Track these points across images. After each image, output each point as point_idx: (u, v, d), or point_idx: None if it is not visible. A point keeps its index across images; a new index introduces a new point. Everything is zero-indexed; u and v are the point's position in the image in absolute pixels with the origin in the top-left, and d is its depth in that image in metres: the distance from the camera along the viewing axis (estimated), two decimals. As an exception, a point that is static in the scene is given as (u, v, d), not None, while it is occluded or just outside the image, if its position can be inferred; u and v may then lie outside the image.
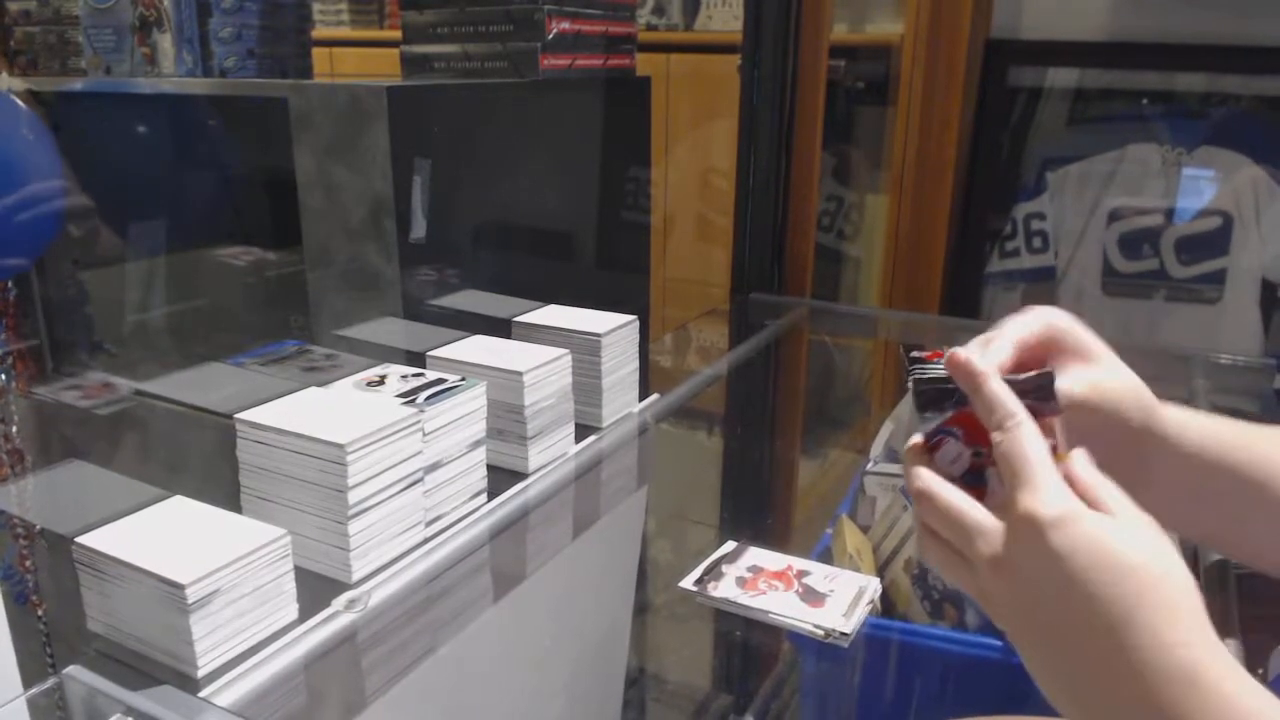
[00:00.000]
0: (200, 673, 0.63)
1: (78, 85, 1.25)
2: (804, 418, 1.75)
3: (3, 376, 1.06)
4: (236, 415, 0.75)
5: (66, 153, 1.07)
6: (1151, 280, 1.79)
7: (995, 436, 0.50)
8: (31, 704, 0.62)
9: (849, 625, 0.84)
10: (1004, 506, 0.49)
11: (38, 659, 0.67)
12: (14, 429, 0.98)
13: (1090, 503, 0.48)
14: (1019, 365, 0.53)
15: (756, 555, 0.95)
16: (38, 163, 0.94)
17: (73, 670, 0.63)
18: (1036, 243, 1.86)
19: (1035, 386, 0.51)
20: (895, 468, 1.15)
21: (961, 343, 0.57)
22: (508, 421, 0.90)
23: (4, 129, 0.91)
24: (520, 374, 0.88)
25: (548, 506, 0.91)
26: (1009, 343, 0.54)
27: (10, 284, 1.13)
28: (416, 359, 0.92)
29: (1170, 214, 1.76)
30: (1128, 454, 0.56)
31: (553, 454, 0.95)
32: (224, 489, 0.75)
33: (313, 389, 0.81)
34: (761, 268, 1.75)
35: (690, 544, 1.26)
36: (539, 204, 1.16)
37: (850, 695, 1.01)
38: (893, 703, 0.98)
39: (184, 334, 1.30)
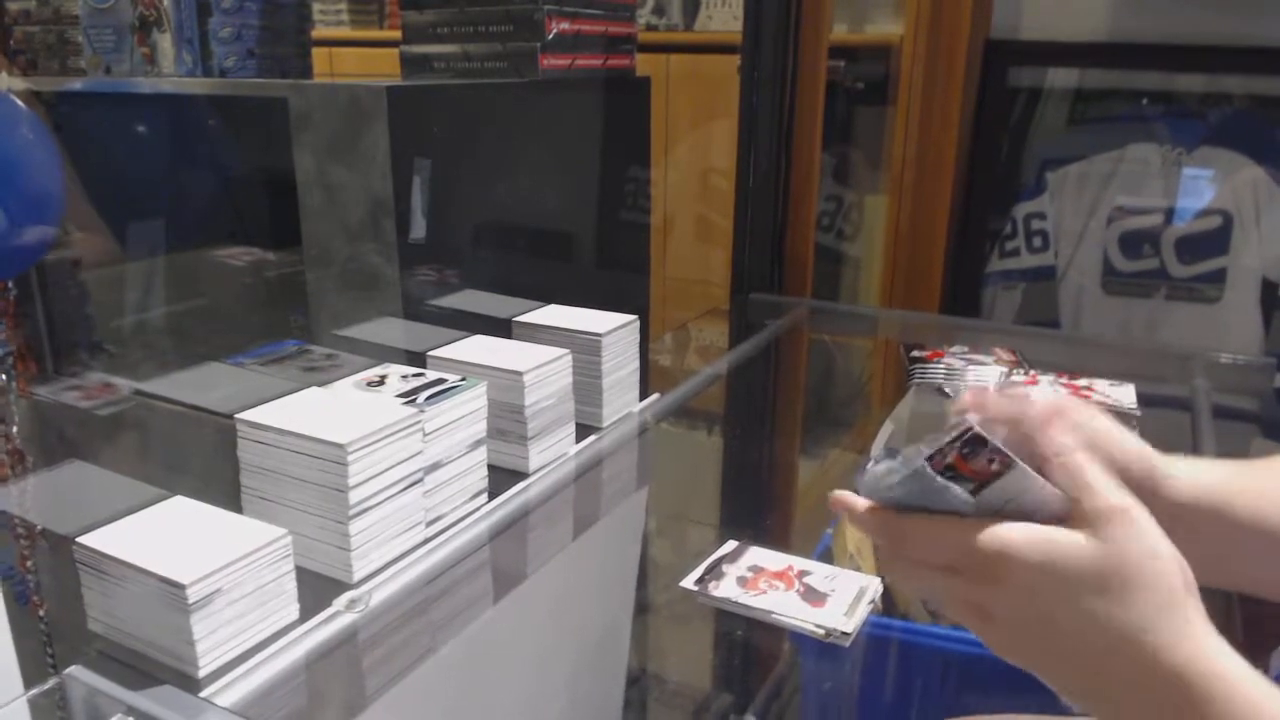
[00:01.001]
0: (201, 673, 0.63)
1: (78, 85, 1.25)
2: (804, 418, 1.75)
3: (3, 376, 1.06)
4: (237, 415, 0.75)
5: (66, 153, 1.07)
6: (1151, 280, 1.79)
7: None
8: (32, 704, 0.62)
9: (850, 625, 0.84)
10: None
11: (39, 659, 0.67)
12: (14, 429, 0.98)
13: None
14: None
15: (757, 555, 0.95)
16: (38, 163, 0.94)
17: (74, 670, 0.63)
18: (1036, 242, 1.86)
19: (961, 442, 0.51)
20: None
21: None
22: (508, 421, 0.90)
23: (4, 129, 0.91)
24: (520, 374, 0.88)
25: (548, 506, 0.91)
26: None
27: (10, 284, 1.13)
28: (417, 359, 0.92)
29: (1170, 214, 1.76)
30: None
31: (553, 454, 0.95)
32: (224, 489, 0.75)
33: (313, 389, 0.81)
34: (761, 268, 1.74)
35: (690, 544, 1.26)
36: (539, 204, 1.16)
37: (850, 695, 1.01)
38: (893, 703, 0.98)
39: (184, 334, 1.30)
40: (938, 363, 1.15)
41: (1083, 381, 1.06)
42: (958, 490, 0.49)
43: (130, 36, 1.16)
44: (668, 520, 1.29)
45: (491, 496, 0.87)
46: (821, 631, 0.83)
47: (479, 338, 0.97)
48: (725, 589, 0.89)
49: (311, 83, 1.15)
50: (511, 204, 1.11)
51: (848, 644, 0.83)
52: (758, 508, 1.46)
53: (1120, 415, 0.99)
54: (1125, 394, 1.03)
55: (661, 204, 2.19)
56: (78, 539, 0.65)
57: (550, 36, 1.09)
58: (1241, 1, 1.67)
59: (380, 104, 0.91)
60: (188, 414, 0.81)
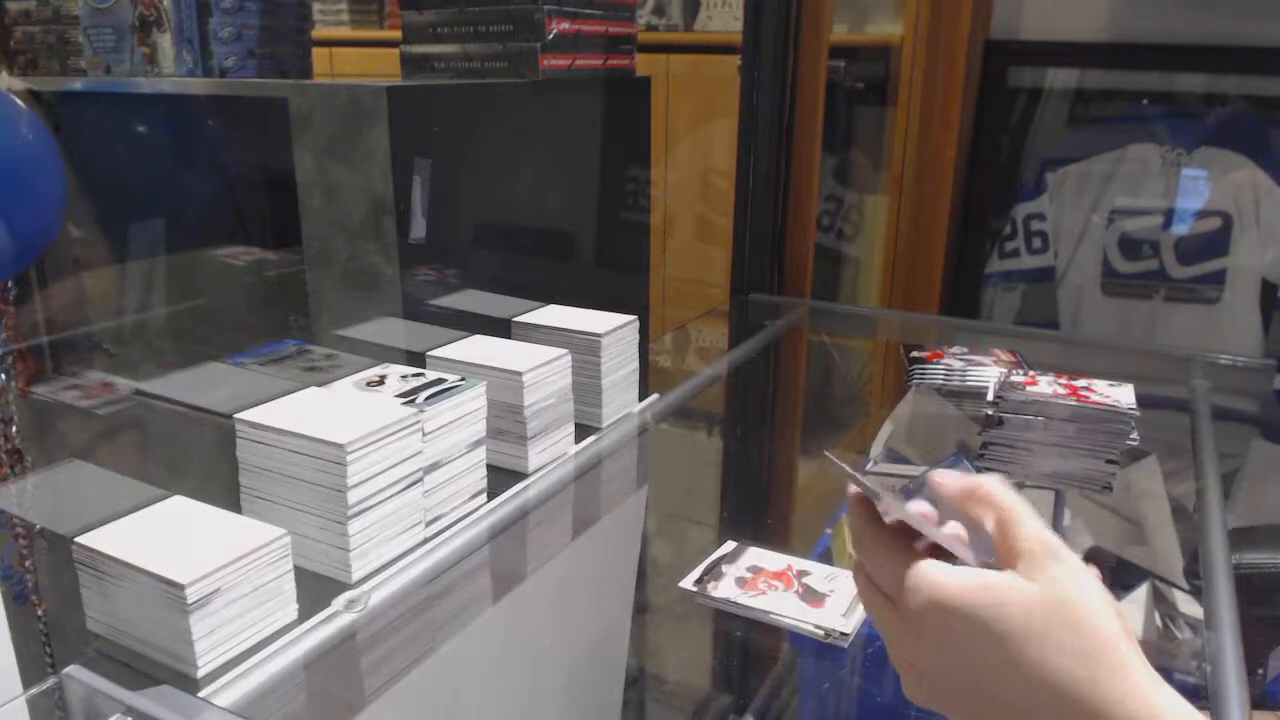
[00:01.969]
0: (200, 673, 0.63)
1: (78, 85, 1.25)
2: (804, 418, 1.75)
3: (3, 376, 1.06)
4: (236, 415, 0.75)
5: (66, 153, 1.07)
6: (1151, 280, 1.79)
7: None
8: (31, 704, 0.62)
9: (849, 625, 0.84)
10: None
11: (38, 659, 0.67)
12: (14, 429, 0.98)
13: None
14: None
15: (756, 555, 0.95)
16: (38, 163, 0.94)
17: (72, 670, 0.62)
18: (1036, 243, 1.86)
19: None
20: (895, 468, 1.15)
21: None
22: (508, 421, 0.90)
23: (4, 129, 0.91)
24: (520, 374, 0.88)
25: (548, 506, 0.91)
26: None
27: (10, 284, 1.13)
28: (416, 359, 0.92)
29: (1170, 214, 1.77)
30: None
31: (553, 454, 0.95)
32: (224, 489, 0.75)
33: (313, 389, 0.81)
34: (761, 268, 1.74)
35: (690, 544, 1.26)
36: (539, 204, 1.16)
37: (850, 695, 1.01)
38: (892, 703, 0.98)
39: (184, 334, 1.30)
40: (937, 363, 1.15)
41: (1082, 382, 1.06)
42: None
43: (130, 36, 1.16)
44: (667, 520, 1.29)
45: (491, 496, 0.87)
46: (821, 632, 0.84)
47: (479, 338, 0.97)
48: (724, 589, 0.89)
49: (311, 83, 1.15)
50: (511, 204, 1.11)
51: (847, 644, 0.83)
52: (757, 508, 1.46)
53: (1120, 416, 0.99)
54: (1124, 395, 1.03)
55: (661, 204, 2.19)
56: (77, 539, 0.65)
57: (550, 36, 1.09)
58: (1241, 1, 1.67)
59: (380, 104, 0.91)
60: (187, 414, 0.81)
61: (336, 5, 2.79)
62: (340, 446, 0.70)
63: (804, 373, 1.78)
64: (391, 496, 0.75)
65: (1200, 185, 1.74)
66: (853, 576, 0.54)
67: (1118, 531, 1.11)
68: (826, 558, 1.03)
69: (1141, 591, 1.01)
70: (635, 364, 1.05)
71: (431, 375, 0.85)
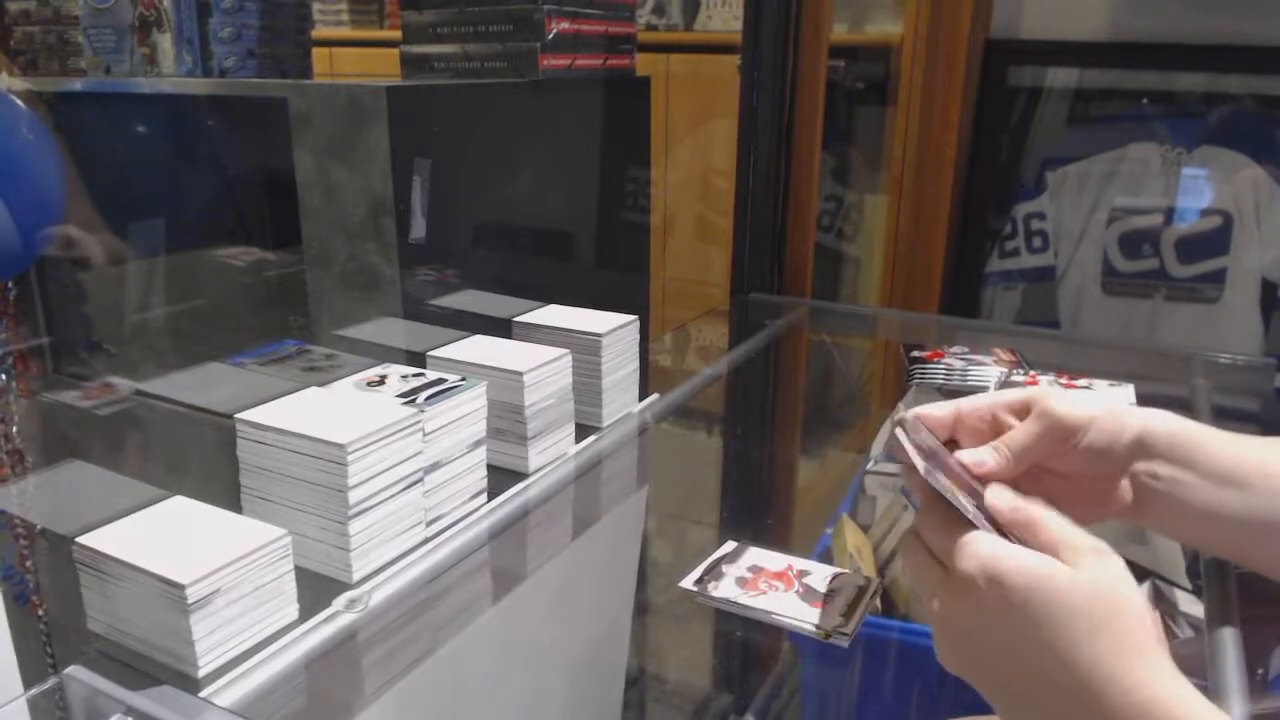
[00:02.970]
0: (201, 673, 0.63)
1: (78, 85, 1.25)
2: (804, 418, 1.75)
3: (3, 376, 1.06)
4: (236, 415, 0.75)
5: (66, 153, 1.07)
6: (1151, 280, 1.79)
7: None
8: (32, 704, 0.62)
9: (849, 625, 0.84)
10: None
11: (38, 659, 0.67)
12: (14, 429, 0.98)
13: (1024, 534, 0.50)
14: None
15: (756, 555, 0.95)
16: (38, 163, 0.94)
17: (73, 670, 0.62)
18: (1036, 242, 1.86)
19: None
20: (895, 468, 1.15)
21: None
22: (508, 421, 0.90)
23: (4, 129, 0.91)
24: (520, 374, 0.88)
25: (548, 507, 0.91)
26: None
27: (10, 284, 1.13)
28: (417, 359, 0.92)
29: (1170, 214, 1.76)
30: (1116, 479, 0.57)
31: (553, 454, 0.95)
32: (224, 489, 0.75)
33: (313, 389, 0.81)
34: (761, 268, 1.74)
35: (690, 544, 1.26)
36: (539, 204, 1.16)
37: (850, 695, 1.01)
38: (893, 703, 0.98)
39: (184, 334, 1.30)
40: (937, 363, 1.15)
41: (1082, 382, 1.06)
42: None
43: (130, 37, 1.16)
44: (667, 520, 1.29)
45: (491, 497, 0.87)
46: (821, 632, 0.83)
47: (479, 338, 0.97)
48: (724, 589, 0.89)
49: (311, 83, 1.15)
50: (511, 204, 1.11)
51: (847, 644, 0.83)
52: (757, 508, 1.46)
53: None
54: (1125, 394, 1.03)
55: (661, 204, 2.19)
56: (77, 539, 0.65)
57: (550, 36, 1.09)
58: (1241, 1, 1.67)
59: (380, 104, 0.91)
60: (188, 414, 0.81)
61: (336, 5, 2.79)
62: (341, 446, 0.70)
63: (804, 372, 1.78)
64: (392, 497, 0.75)
65: (1200, 184, 1.74)
66: (901, 541, 0.56)
67: (1118, 531, 1.11)
68: (826, 558, 1.03)
69: (1142, 591, 1.01)
70: (635, 364, 1.05)
71: (432, 375, 0.85)
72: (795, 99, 1.69)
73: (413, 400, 0.79)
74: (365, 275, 0.97)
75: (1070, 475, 0.58)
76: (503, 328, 1.02)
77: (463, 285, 1.04)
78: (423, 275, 0.99)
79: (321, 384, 0.83)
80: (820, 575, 0.91)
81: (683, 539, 1.34)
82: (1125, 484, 0.58)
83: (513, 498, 0.88)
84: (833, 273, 2.14)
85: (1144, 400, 1.02)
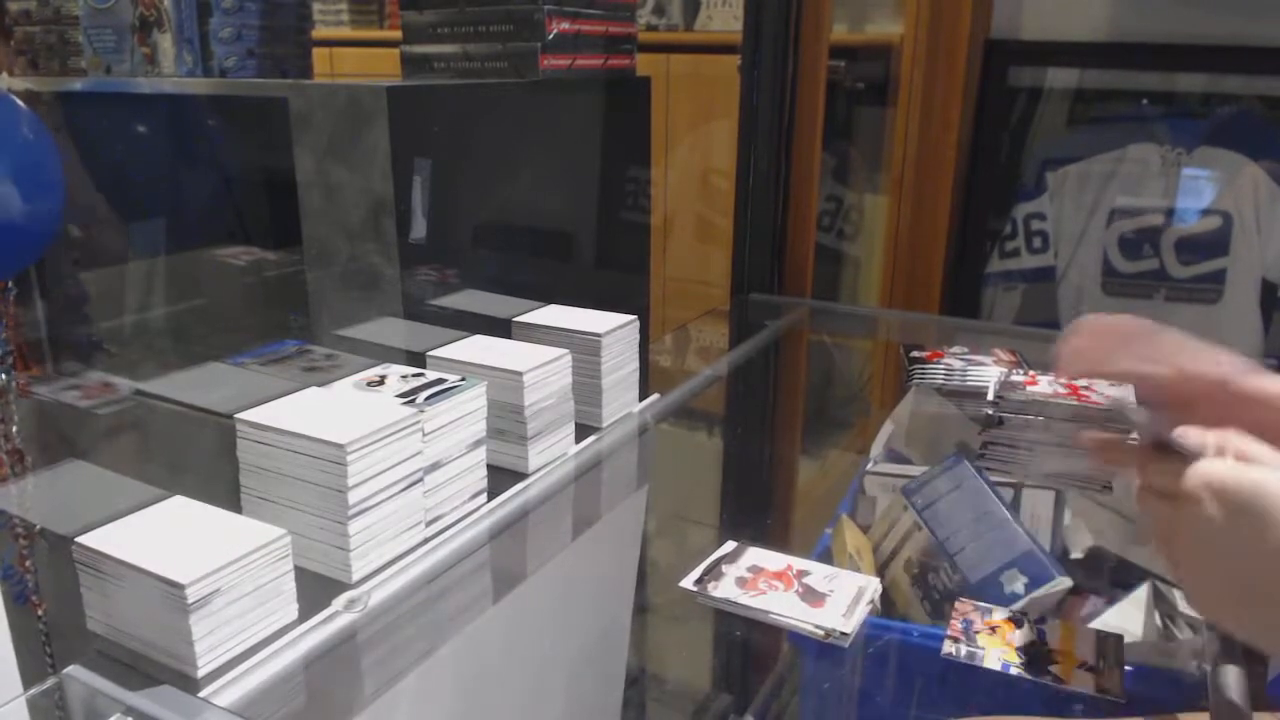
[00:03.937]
0: (200, 673, 0.62)
1: (78, 85, 1.25)
2: (804, 418, 1.75)
3: (3, 376, 1.06)
4: (236, 415, 0.75)
5: (66, 153, 1.07)
6: (1151, 280, 1.79)
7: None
8: (31, 704, 0.62)
9: (849, 625, 0.84)
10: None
11: (38, 659, 0.67)
12: (14, 429, 0.98)
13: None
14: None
15: (756, 555, 0.95)
16: (38, 163, 0.94)
17: (73, 670, 0.63)
18: (1036, 243, 1.86)
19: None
20: (895, 468, 1.15)
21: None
22: (508, 421, 0.90)
23: (4, 129, 0.91)
24: (520, 374, 0.88)
25: (548, 506, 0.91)
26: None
27: (10, 284, 1.13)
28: (416, 359, 0.92)
29: (1170, 214, 1.76)
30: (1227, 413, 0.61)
31: (553, 454, 0.95)
32: (224, 489, 0.75)
33: (313, 389, 0.81)
34: (761, 268, 1.75)
35: (690, 544, 1.26)
36: (539, 204, 1.16)
37: (850, 695, 1.01)
38: (893, 703, 0.98)
39: (184, 334, 1.30)
40: (937, 363, 1.15)
41: (1082, 382, 1.06)
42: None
43: (130, 37, 1.16)
44: (667, 520, 1.29)
45: (491, 496, 0.87)
46: (821, 632, 0.83)
47: (479, 338, 0.97)
48: (724, 589, 0.89)
49: (311, 83, 1.15)
50: (511, 204, 1.11)
51: (847, 644, 0.83)
52: (757, 508, 1.46)
53: (1121, 416, 0.99)
54: (1125, 394, 1.03)
55: (661, 204, 2.19)
56: (77, 539, 0.65)
57: (550, 36, 1.09)
58: (1241, 1, 1.67)
59: (380, 104, 0.91)
60: (188, 414, 0.81)
61: (336, 5, 2.79)
62: (341, 446, 0.70)
63: (804, 373, 1.79)
64: (392, 496, 0.75)
65: (1200, 185, 1.74)
66: (1135, 497, 0.61)
67: (1118, 531, 1.11)
68: (826, 558, 1.03)
69: (1142, 591, 1.01)
70: (635, 364, 1.05)
71: (432, 375, 0.85)
72: (795, 99, 1.69)
73: (412, 400, 0.79)
74: (365, 275, 0.97)
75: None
76: (502, 328, 1.02)
77: (463, 285, 1.04)
78: (423, 275, 0.99)
79: (321, 384, 0.83)
80: (820, 575, 0.91)
81: (682, 539, 1.34)
82: None
83: (512, 498, 0.88)
84: (833, 273, 2.14)
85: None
